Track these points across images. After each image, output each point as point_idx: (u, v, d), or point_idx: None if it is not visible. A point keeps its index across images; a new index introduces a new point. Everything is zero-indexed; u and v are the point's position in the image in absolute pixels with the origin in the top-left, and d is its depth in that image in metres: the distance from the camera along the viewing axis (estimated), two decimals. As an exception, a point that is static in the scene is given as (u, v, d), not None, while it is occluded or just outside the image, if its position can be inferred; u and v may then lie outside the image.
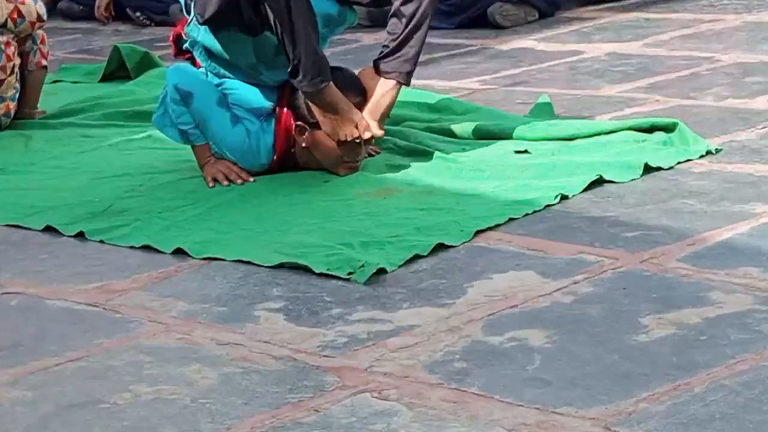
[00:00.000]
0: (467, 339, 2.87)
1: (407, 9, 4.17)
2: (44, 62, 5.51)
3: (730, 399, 2.47)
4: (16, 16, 5.33)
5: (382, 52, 4.24)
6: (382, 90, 4.21)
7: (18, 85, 5.40)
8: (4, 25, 5.28)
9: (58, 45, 7.64)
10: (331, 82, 4.09)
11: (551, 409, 2.50)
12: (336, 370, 2.77)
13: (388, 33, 4.23)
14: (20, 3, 5.34)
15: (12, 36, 5.33)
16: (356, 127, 4.12)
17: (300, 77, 4.05)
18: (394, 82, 4.22)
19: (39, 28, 5.46)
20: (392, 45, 4.21)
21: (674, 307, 2.93)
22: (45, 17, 5.50)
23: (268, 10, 3.97)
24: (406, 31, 4.19)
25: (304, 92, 4.12)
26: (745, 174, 3.86)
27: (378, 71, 4.23)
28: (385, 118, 4.25)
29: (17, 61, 5.37)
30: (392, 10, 4.21)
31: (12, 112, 5.40)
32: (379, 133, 4.20)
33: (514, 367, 2.70)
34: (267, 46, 4.16)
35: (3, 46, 5.29)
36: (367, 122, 4.14)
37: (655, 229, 3.47)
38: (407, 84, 4.26)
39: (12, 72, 5.34)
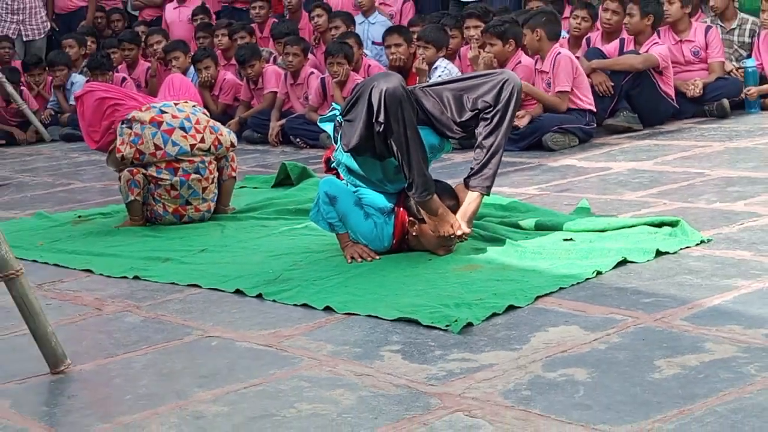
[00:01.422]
0: (531, 374, 2.85)
1: (487, 142, 4.18)
2: (234, 174, 5.58)
3: (721, 421, 2.43)
4: (217, 143, 5.42)
5: (469, 172, 4.24)
6: (470, 199, 4.21)
7: (216, 191, 5.49)
8: (209, 150, 5.38)
9: (243, 161, 7.72)
10: (435, 195, 4.10)
11: (592, 426, 2.48)
12: (438, 395, 2.76)
13: (474, 159, 4.22)
14: (220, 135, 5.44)
15: (213, 157, 5.43)
16: (451, 226, 4.12)
17: (413, 190, 4.06)
18: (478, 193, 4.21)
19: (231, 151, 5.55)
20: (476, 167, 4.20)
21: (679, 353, 2.89)
22: (236, 143, 5.59)
23: (393, 144, 3.99)
24: (486, 157, 4.18)
25: (415, 201, 4.12)
26: (729, 258, 3.80)
27: (467, 186, 4.23)
28: (472, 219, 4.23)
29: (216, 174, 5.46)
30: (477, 143, 4.21)
31: (212, 209, 5.48)
32: (468, 230, 4.18)
33: (564, 395, 2.68)
34: (389, 168, 4.18)
35: (207, 164, 5.39)
36: (460, 223, 4.15)
37: (665, 296, 3.42)
38: (488, 194, 4.25)
39: (213, 182, 5.43)
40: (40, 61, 10.82)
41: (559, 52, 6.97)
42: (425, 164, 4.07)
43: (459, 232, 4.12)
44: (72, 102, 10.25)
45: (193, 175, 5.32)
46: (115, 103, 5.46)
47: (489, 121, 4.17)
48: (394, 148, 3.99)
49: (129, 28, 11.71)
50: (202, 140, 5.34)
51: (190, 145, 5.30)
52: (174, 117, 5.34)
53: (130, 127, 5.30)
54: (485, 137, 4.18)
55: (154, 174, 5.28)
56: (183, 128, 5.31)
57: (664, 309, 3.29)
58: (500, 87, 4.17)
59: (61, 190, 7.13)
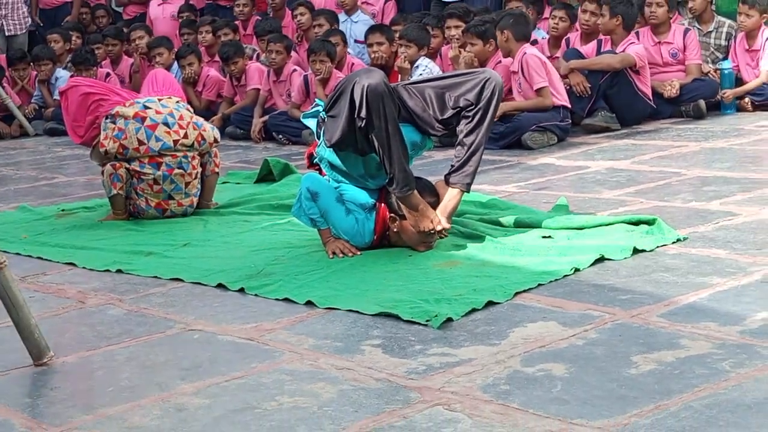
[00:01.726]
0: (510, 369, 2.85)
1: (468, 140, 4.18)
2: (217, 170, 5.57)
3: (696, 416, 2.44)
4: (200, 139, 5.41)
5: (450, 168, 4.24)
6: (450, 196, 4.21)
7: (199, 186, 5.47)
8: (192, 145, 5.37)
9: (225, 157, 7.69)
10: (415, 191, 4.10)
11: (569, 420, 2.48)
12: (418, 389, 2.76)
13: (455, 156, 4.22)
14: (203, 130, 5.43)
15: (196, 152, 5.41)
16: (432, 221, 4.12)
17: (394, 186, 4.06)
18: (458, 190, 4.21)
19: (215, 146, 5.53)
20: (457, 164, 4.20)
21: (655, 349, 2.90)
22: (219, 139, 5.58)
23: (374, 139, 3.99)
24: (467, 155, 4.18)
25: (396, 196, 4.12)
26: (705, 256, 3.81)
27: (447, 183, 4.23)
28: (452, 215, 4.24)
29: (199, 169, 5.44)
30: (458, 141, 4.21)
31: (194, 204, 5.46)
32: (447, 225, 4.18)
33: (542, 389, 2.68)
34: (371, 163, 4.18)
35: (190, 159, 5.37)
36: (440, 218, 4.15)
37: (641, 294, 3.43)
38: (468, 191, 4.26)
39: (196, 177, 5.41)
40: (25, 55, 10.76)
41: (525, 53, 6.96)
42: (406, 160, 4.07)
43: (439, 227, 4.12)
44: (57, 97, 10.22)
45: (176, 170, 5.30)
46: (100, 98, 5.44)
47: (470, 119, 4.17)
48: (376, 144, 3.99)
49: (113, 24, 11.66)
50: (186, 136, 5.33)
51: (174, 140, 5.29)
52: (158, 113, 5.32)
53: (114, 122, 5.28)
54: (466, 135, 4.18)
55: (137, 168, 5.26)
56: (166, 124, 5.30)
57: (641, 306, 3.30)
58: (482, 85, 4.17)
59: (45, 184, 7.09)
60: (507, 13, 7.36)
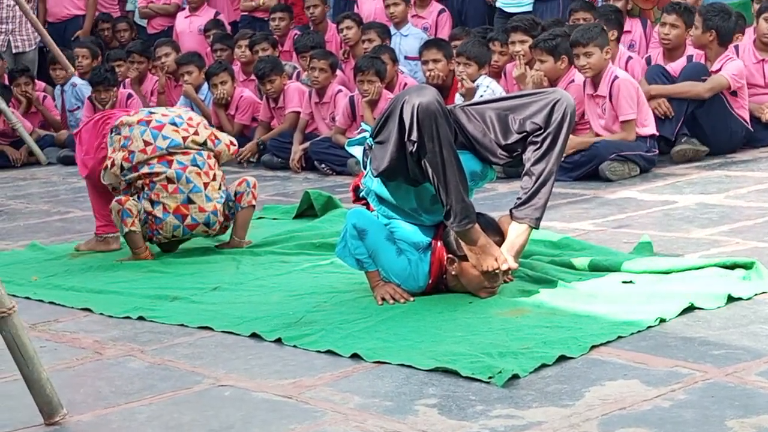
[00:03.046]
0: (585, 434, 2.84)
1: (536, 169, 4.18)
2: (253, 203, 5.62)
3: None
4: (214, 138, 5.59)
5: (516, 202, 4.24)
6: (517, 232, 4.21)
7: (223, 194, 5.54)
8: (205, 143, 5.50)
9: (261, 189, 7.70)
10: (476, 224, 4.10)
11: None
12: (480, 456, 2.76)
13: (521, 188, 4.23)
14: (216, 131, 5.66)
15: (211, 153, 5.53)
16: (496, 260, 4.12)
17: (452, 219, 4.07)
18: (526, 225, 4.21)
19: (233, 151, 5.70)
20: (524, 197, 4.20)
21: (754, 413, 2.87)
22: (236, 144, 5.78)
23: (428, 166, 4.00)
24: (536, 186, 4.18)
25: (455, 231, 4.13)
26: (812, 305, 3.78)
27: (513, 217, 4.23)
28: (519, 254, 4.23)
29: (218, 172, 5.53)
30: (525, 170, 4.21)
31: (219, 214, 5.50)
32: (515, 265, 4.18)
33: (623, 458, 2.67)
34: (425, 195, 4.20)
35: (206, 158, 5.50)
36: (505, 257, 4.15)
37: (737, 348, 3.39)
38: (537, 227, 4.25)
39: (215, 179, 5.51)
40: (27, 69, 10.97)
41: (617, 77, 6.95)
42: (465, 190, 4.08)
43: (505, 267, 4.12)
44: (68, 108, 10.55)
45: (191, 167, 5.45)
46: (107, 116, 5.68)
47: (539, 145, 4.17)
48: (429, 171, 4.00)
49: (137, 39, 11.80)
50: (196, 133, 5.51)
51: (182, 137, 5.48)
52: (164, 115, 5.56)
53: (119, 133, 5.48)
54: (534, 163, 4.18)
55: (147, 171, 5.38)
56: (174, 123, 5.51)
57: (737, 362, 3.26)
58: (551, 107, 4.17)
59: (58, 219, 7.19)
60: (600, 27, 7.27)
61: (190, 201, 5.41)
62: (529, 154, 4.20)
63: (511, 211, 4.26)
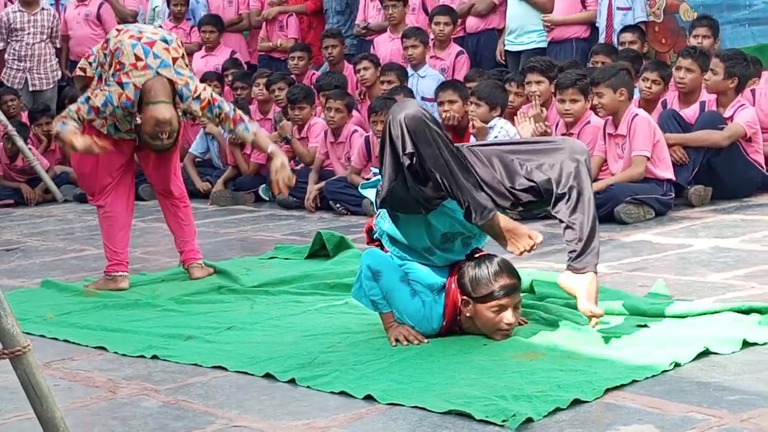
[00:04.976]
0: (599, 479, 2.83)
1: (576, 219, 4.13)
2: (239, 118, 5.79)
3: None
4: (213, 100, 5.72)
5: (570, 255, 4.16)
6: (587, 281, 4.14)
7: (193, 75, 5.74)
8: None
9: (276, 228, 7.81)
10: (497, 211, 4.09)
11: None
12: (493, 500, 2.75)
13: (567, 241, 4.17)
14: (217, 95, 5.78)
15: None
16: (529, 237, 4.11)
17: (474, 216, 4.06)
18: (591, 273, 4.16)
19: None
20: (579, 248, 4.14)
21: (770, 460, 2.87)
22: (244, 119, 5.84)
23: (434, 171, 3.99)
24: (585, 234, 4.12)
25: (480, 226, 4.11)
26: (828, 350, 3.77)
27: (575, 270, 4.16)
28: (597, 300, 4.16)
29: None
30: (564, 224, 4.15)
31: (190, 86, 5.62)
32: (600, 311, 4.13)
33: (637, 504, 2.66)
34: (436, 233, 4.20)
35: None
36: (536, 236, 4.13)
37: (753, 394, 3.38)
38: (597, 273, 4.19)
39: (183, 57, 5.65)
40: (48, 108, 11.03)
41: (636, 114, 7.00)
42: (473, 183, 4.05)
43: (539, 239, 4.12)
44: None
45: (159, 42, 5.58)
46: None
47: (567, 198, 4.13)
48: (437, 175, 3.99)
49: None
50: (184, 56, 5.63)
51: (172, 58, 5.57)
52: (154, 33, 5.66)
53: (107, 46, 5.61)
54: (571, 214, 4.13)
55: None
56: (165, 41, 5.61)
57: (752, 408, 3.25)
58: (564, 163, 4.14)
59: (74, 257, 7.21)
60: (619, 68, 7.26)
61: (157, 73, 5.53)
62: (561, 207, 4.14)
63: (569, 266, 4.19)
